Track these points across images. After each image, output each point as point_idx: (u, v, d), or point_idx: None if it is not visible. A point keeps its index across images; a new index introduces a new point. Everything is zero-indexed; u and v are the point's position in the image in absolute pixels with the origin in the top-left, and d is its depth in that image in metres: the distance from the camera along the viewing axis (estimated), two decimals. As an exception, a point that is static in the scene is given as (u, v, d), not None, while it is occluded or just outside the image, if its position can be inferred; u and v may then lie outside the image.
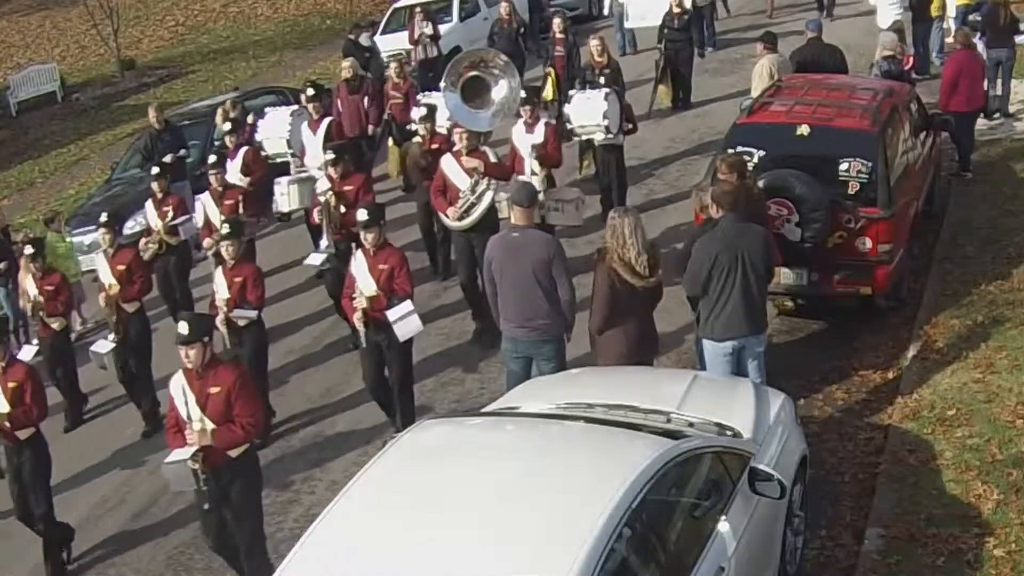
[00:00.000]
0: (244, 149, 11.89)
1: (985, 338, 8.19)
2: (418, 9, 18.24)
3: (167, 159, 13.45)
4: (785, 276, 8.50)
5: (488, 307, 9.13)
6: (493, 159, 9.57)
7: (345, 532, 4.73)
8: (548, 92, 14.19)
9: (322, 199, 9.81)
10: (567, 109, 11.52)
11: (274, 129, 12.36)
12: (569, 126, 11.51)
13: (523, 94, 10.69)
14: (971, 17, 15.03)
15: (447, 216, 9.53)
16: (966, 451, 6.92)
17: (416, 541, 4.52)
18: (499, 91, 10.91)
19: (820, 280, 8.58)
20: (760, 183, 8.34)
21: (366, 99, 14.06)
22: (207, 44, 29.70)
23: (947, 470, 6.77)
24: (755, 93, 10.77)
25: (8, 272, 11.94)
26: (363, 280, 8.08)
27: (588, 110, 11.20)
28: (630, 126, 11.82)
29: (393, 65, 14.42)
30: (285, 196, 11.33)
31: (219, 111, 14.30)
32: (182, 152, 13.76)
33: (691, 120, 14.85)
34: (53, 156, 22.12)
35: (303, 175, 11.45)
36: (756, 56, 12.27)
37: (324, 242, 9.99)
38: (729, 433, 5.80)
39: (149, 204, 11.05)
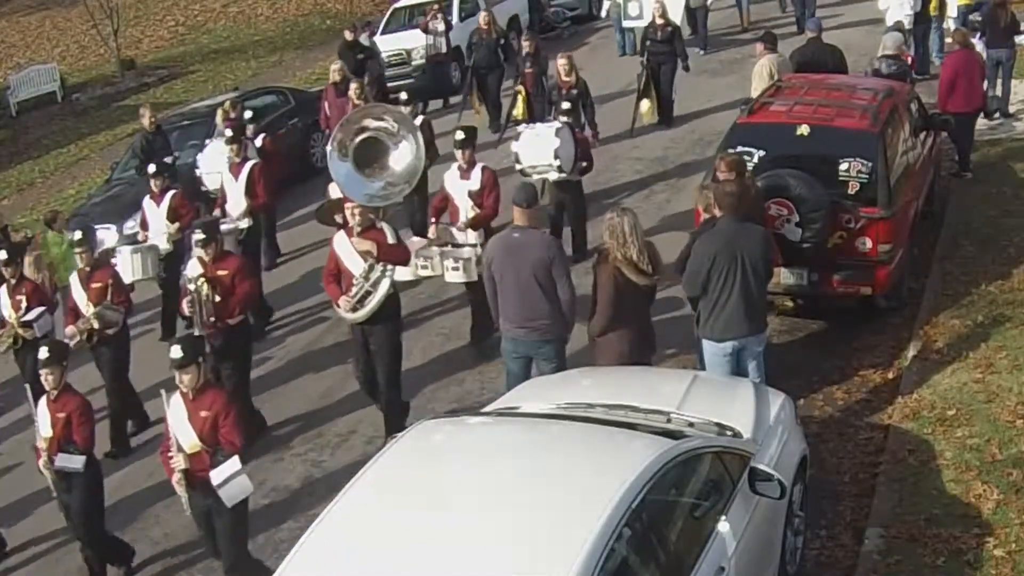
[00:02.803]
0: (171, 193, 10.86)
1: (985, 338, 8.19)
2: (435, 6, 18.33)
3: (167, 160, 13.44)
4: (785, 276, 8.50)
5: (400, 414, 8.30)
6: (391, 240, 8.10)
7: (345, 532, 4.73)
8: (518, 111, 13.72)
9: (192, 287, 8.41)
10: (515, 147, 10.50)
11: (213, 163, 11.61)
12: (519, 167, 10.46)
13: (460, 136, 9.34)
14: (971, 17, 15.04)
15: (339, 306, 8.17)
16: (966, 451, 6.92)
17: (416, 541, 4.53)
18: (400, 157, 8.88)
19: (820, 280, 8.57)
20: (760, 183, 8.35)
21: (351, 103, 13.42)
22: (207, 44, 29.70)
23: (947, 470, 6.77)
24: (755, 93, 10.77)
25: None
26: (181, 431, 6.63)
27: (538, 149, 10.24)
28: (584, 164, 10.74)
29: (353, 86, 13.45)
30: None
31: (219, 111, 14.30)
32: (175, 155, 13.71)
33: (691, 120, 14.84)
34: (53, 156, 22.14)
35: (226, 227, 10.33)
36: (756, 56, 12.27)
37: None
38: (729, 433, 5.81)
39: (3, 290, 9.55)
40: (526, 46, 14.23)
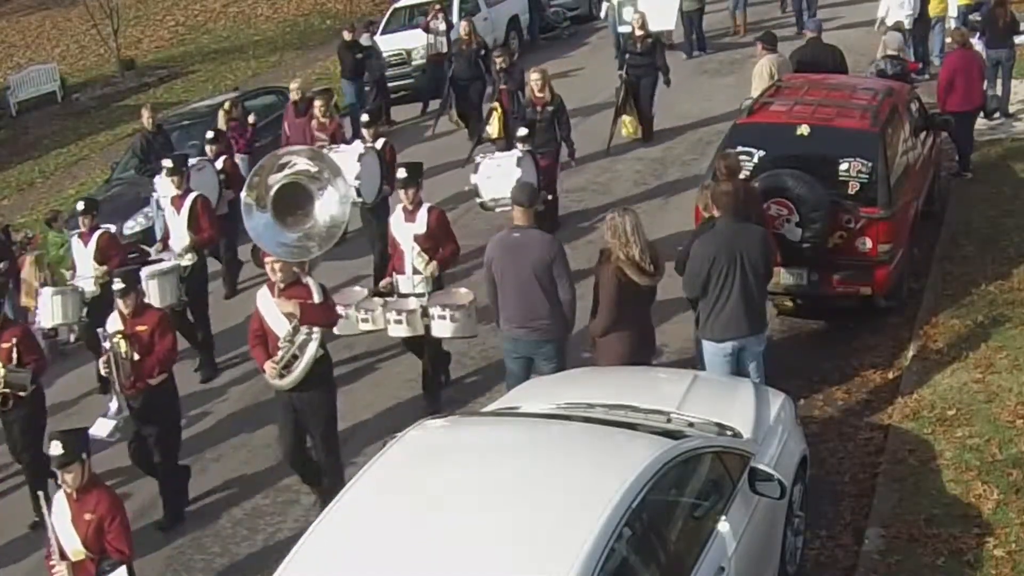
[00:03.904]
0: (98, 232, 10.08)
1: (985, 338, 8.19)
2: (436, 6, 18.31)
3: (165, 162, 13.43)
4: (785, 276, 8.50)
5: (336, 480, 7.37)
6: (317, 298, 7.27)
7: (345, 532, 4.73)
8: (494, 129, 12.93)
9: (108, 344, 7.68)
10: (474, 179, 9.92)
11: (169, 187, 10.66)
12: (479, 200, 9.96)
13: (402, 174, 8.54)
14: (971, 17, 15.06)
15: (264, 371, 7.41)
16: (966, 451, 6.92)
17: (416, 541, 4.53)
18: (326, 206, 7.64)
19: (820, 280, 8.58)
20: (759, 183, 8.35)
21: (313, 121, 12.71)
22: (207, 44, 29.71)
23: (947, 470, 6.77)
24: (755, 93, 10.77)
25: (8, 271, 11.93)
26: (64, 535, 5.98)
27: (500, 181, 9.64)
28: (549, 196, 10.23)
29: (317, 103, 12.60)
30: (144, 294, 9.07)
31: (220, 111, 14.30)
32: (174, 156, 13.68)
33: (691, 120, 14.84)
34: (53, 156, 22.13)
35: (163, 267, 9.82)
36: (756, 56, 12.28)
37: (113, 404, 7.79)
38: (729, 433, 5.81)
39: None
40: (499, 62, 13.43)
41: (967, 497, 6.49)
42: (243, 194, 7.59)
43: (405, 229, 8.47)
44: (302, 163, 7.65)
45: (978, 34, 13.43)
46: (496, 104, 13.12)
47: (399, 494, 4.92)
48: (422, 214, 8.45)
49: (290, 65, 25.53)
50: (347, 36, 17.36)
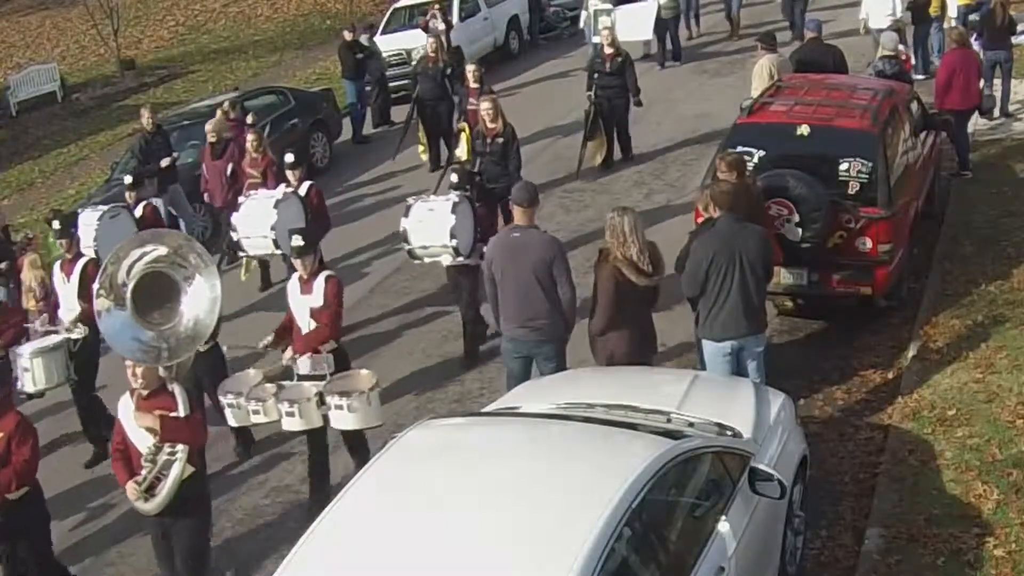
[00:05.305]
0: None
1: (985, 338, 8.20)
2: (436, 7, 18.29)
3: (164, 163, 13.42)
4: (785, 276, 8.51)
5: None
6: (182, 410, 6.17)
7: (345, 532, 4.73)
8: (462, 151, 11.88)
9: None
10: (404, 224, 9.11)
11: (84, 237, 10.10)
12: (407, 247, 9.17)
13: (297, 242, 7.56)
14: (971, 17, 15.08)
15: (127, 492, 6.37)
16: (966, 451, 6.92)
17: (416, 541, 4.52)
18: (194, 302, 6.24)
19: (820, 280, 8.58)
20: (760, 183, 8.36)
21: (230, 165, 12.27)
22: (207, 44, 29.72)
23: (947, 470, 6.77)
24: (755, 93, 10.78)
25: (8, 271, 11.92)
26: None
27: (431, 227, 8.90)
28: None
29: (250, 138, 11.89)
30: (29, 372, 8.59)
31: (219, 111, 14.30)
32: (174, 155, 13.65)
33: (691, 120, 14.86)
34: (53, 156, 22.14)
35: (48, 344, 8.77)
36: (756, 56, 12.28)
37: None
38: (729, 433, 5.81)
39: None
40: (471, 79, 12.65)
41: (967, 497, 6.49)
42: (96, 301, 6.34)
43: (300, 301, 7.62)
44: (151, 249, 6.33)
45: (976, 34, 13.45)
46: (464, 125, 12.22)
47: (399, 494, 4.91)
48: (319, 284, 7.58)
49: (290, 65, 25.56)
50: (347, 36, 17.37)
